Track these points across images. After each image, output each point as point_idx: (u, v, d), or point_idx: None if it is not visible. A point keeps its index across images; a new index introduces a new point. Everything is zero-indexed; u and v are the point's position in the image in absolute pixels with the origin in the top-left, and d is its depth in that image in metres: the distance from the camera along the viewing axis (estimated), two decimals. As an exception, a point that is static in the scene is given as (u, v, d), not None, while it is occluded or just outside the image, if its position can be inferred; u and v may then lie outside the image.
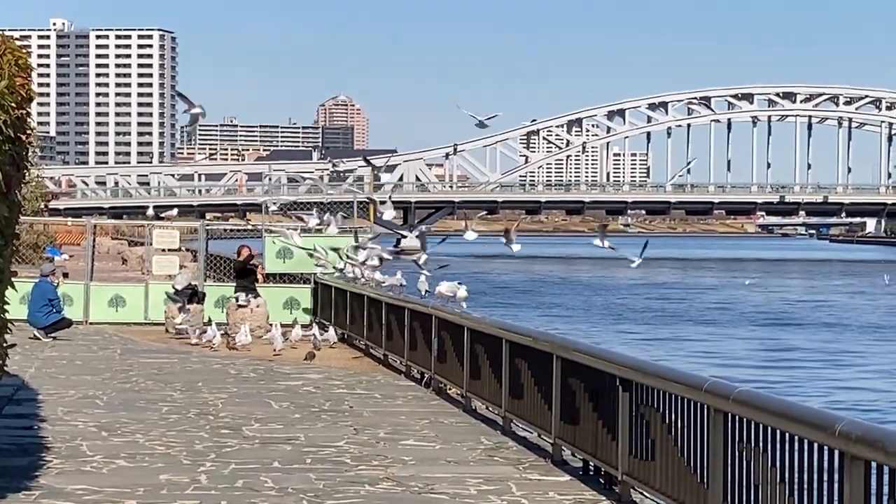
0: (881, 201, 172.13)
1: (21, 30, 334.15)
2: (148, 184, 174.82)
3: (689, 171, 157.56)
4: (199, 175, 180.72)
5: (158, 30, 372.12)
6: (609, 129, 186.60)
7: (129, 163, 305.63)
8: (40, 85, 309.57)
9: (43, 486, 11.91)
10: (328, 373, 22.00)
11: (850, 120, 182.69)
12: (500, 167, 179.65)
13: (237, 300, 28.26)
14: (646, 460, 11.03)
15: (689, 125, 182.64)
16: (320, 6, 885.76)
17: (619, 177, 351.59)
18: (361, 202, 34.12)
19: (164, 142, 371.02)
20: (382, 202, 27.99)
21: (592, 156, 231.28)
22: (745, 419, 9.15)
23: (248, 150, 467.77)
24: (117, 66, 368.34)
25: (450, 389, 18.72)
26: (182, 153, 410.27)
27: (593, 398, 12.33)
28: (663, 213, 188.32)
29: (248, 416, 16.60)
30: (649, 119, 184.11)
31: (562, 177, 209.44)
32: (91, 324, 30.84)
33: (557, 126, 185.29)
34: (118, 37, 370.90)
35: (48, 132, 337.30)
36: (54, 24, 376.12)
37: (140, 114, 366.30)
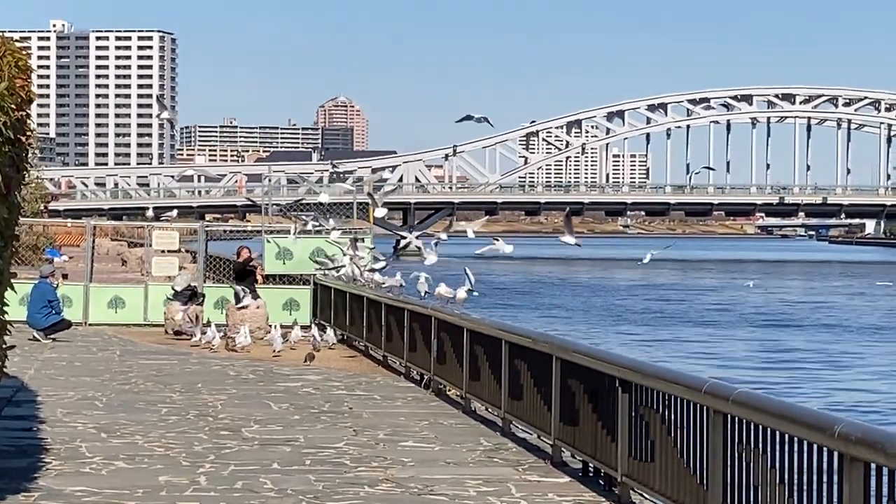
0: (880, 202, 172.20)
1: (21, 31, 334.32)
2: (147, 185, 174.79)
3: (697, 172, 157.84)
4: (199, 176, 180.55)
5: (158, 31, 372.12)
6: (608, 130, 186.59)
7: (128, 164, 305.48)
8: (40, 86, 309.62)
9: (42, 488, 11.91)
10: (327, 374, 22.00)
11: (850, 121, 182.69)
12: (500, 168, 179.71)
13: (237, 296, 28.19)
14: (645, 462, 11.03)
15: (688, 126, 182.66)
16: (320, 6, 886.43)
17: (618, 178, 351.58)
18: (361, 203, 34.10)
19: (164, 143, 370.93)
20: (377, 192, 27.94)
21: (592, 157, 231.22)
22: (744, 420, 9.15)
23: (247, 151, 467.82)
24: (117, 67, 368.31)
25: (449, 391, 18.72)
26: (182, 154, 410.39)
27: (593, 399, 12.33)
28: (663, 214, 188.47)
29: (248, 418, 16.60)
30: (648, 120, 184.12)
31: (561, 178, 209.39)
32: (90, 325, 30.84)
33: (557, 127, 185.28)
34: (118, 38, 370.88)
35: (48, 133, 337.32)
36: (54, 25, 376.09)
37: (140, 115, 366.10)
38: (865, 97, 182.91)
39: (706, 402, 9.74)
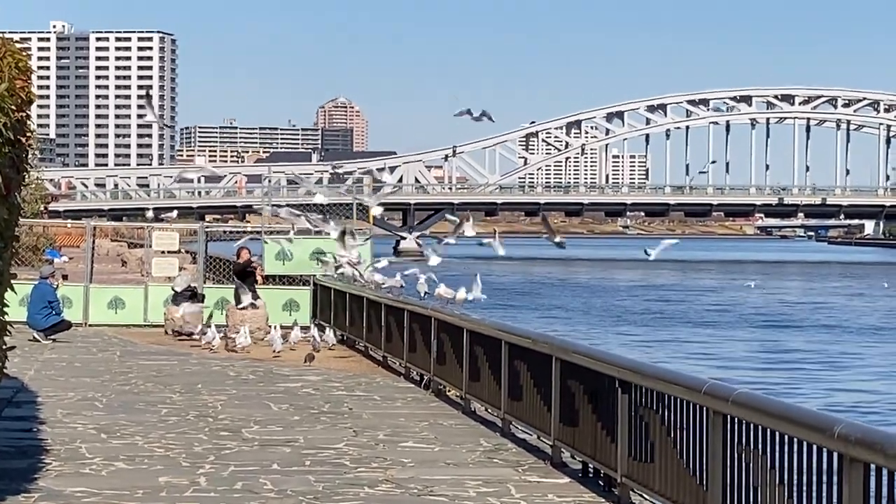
0: (879, 203, 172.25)
1: (21, 32, 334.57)
2: (147, 186, 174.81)
3: (704, 171, 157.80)
4: (199, 177, 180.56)
5: (158, 32, 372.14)
6: (608, 131, 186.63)
7: (128, 165, 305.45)
8: (40, 87, 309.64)
9: (42, 489, 11.91)
10: (327, 375, 22.00)
11: (849, 122, 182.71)
12: (500, 169, 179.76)
13: (237, 298, 28.16)
14: (645, 462, 11.03)
15: (687, 127, 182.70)
16: (320, 6, 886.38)
17: (617, 179, 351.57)
18: (361, 204, 34.09)
19: (164, 144, 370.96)
20: (375, 193, 27.91)
21: (591, 158, 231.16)
22: (744, 421, 9.15)
23: (247, 152, 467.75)
24: (117, 68, 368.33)
25: (449, 391, 18.73)
26: (182, 155, 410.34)
27: (592, 400, 12.33)
28: (662, 214, 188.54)
29: (248, 418, 16.60)
30: (648, 121, 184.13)
31: (561, 179, 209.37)
32: (90, 326, 30.84)
33: (556, 128, 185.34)
34: (118, 39, 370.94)
35: (48, 134, 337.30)
36: (54, 26, 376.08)
37: (140, 116, 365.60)
38: (864, 98, 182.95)
39: (706, 403, 9.75)
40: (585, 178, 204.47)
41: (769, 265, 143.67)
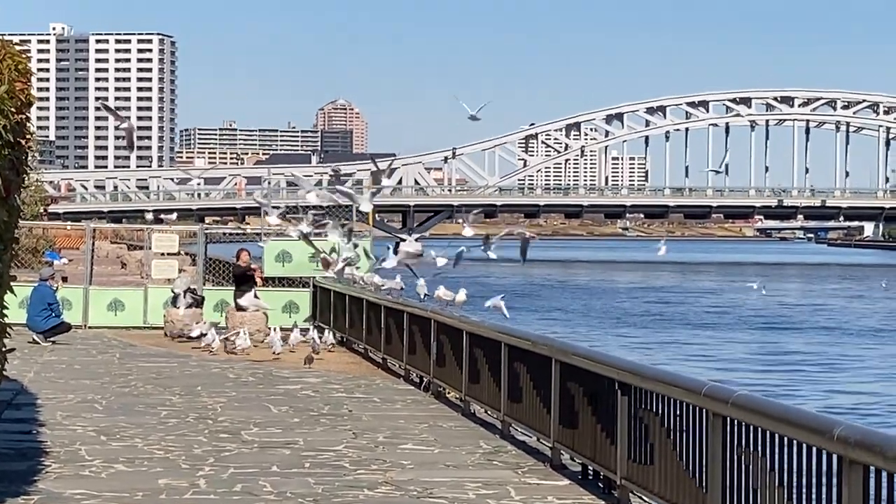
0: (879, 205, 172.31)
1: (21, 34, 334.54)
2: (147, 188, 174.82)
3: (718, 171, 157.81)
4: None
5: (158, 34, 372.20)
6: (607, 132, 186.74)
7: (128, 167, 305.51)
8: (40, 89, 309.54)
9: (42, 491, 11.91)
10: (327, 377, 22.00)
11: (848, 124, 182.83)
12: (499, 171, 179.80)
13: (237, 302, 28.15)
14: (645, 464, 11.03)
15: (686, 129, 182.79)
16: (320, 7, 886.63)
17: (617, 180, 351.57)
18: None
19: (164, 146, 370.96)
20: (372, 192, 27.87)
21: (591, 159, 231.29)
22: (743, 423, 9.15)
23: (247, 153, 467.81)
24: (117, 70, 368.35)
25: (449, 393, 18.73)
26: (181, 157, 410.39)
27: (592, 402, 12.33)
28: (662, 216, 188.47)
29: (247, 421, 16.60)
30: (647, 123, 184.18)
31: (560, 180, 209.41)
32: (90, 328, 30.83)
33: (556, 130, 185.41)
34: (118, 41, 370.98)
35: (47, 136, 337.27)
36: (54, 28, 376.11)
37: (139, 118, 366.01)
38: (864, 100, 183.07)
39: (705, 405, 9.75)
40: (585, 180, 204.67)
41: (768, 267, 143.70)
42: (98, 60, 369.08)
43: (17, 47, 10.50)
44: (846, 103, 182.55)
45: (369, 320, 24.62)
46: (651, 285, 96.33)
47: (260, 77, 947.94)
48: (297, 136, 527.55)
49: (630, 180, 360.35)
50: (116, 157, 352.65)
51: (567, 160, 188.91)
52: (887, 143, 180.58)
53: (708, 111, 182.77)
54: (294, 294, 31.75)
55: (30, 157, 11.30)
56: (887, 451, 7.29)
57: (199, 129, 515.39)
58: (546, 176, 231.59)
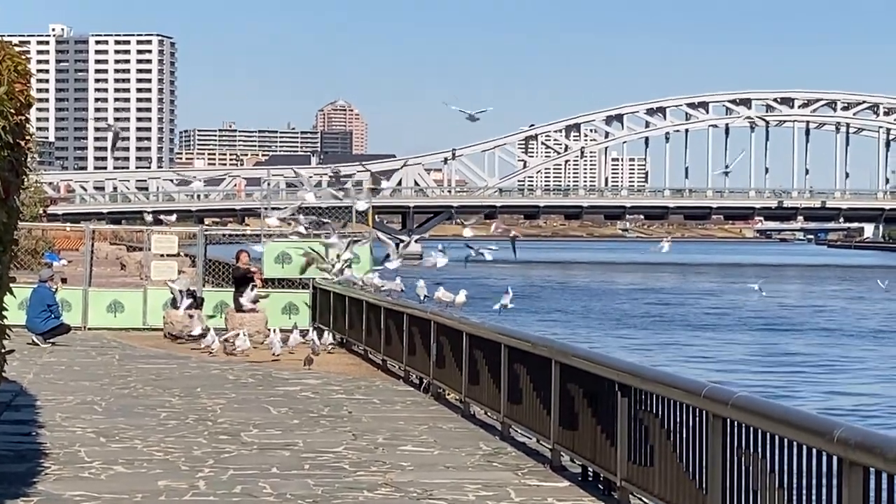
0: (879, 206, 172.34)
1: (20, 35, 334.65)
2: (146, 189, 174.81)
3: (727, 171, 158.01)
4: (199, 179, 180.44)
5: (157, 35, 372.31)
6: (607, 133, 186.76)
7: (127, 168, 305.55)
8: (39, 90, 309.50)
9: (41, 493, 11.90)
10: (327, 378, 21.99)
11: (848, 125, 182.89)
12: (499, 172, 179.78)
13: (237, 302, 28.13)
14: (645, 466, 11.02)
15: (686, 130, 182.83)
16: (320, 7, 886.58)
17: (617, 181, 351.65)
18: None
19: (163, 147, 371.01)
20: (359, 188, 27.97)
21: (591, 161, 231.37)
22: (743, 425, 9.14)
23: (246, 155, 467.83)
24: (116, 71, 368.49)
25: (448, 395, 18.72)
26: (181, 158, 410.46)
27: (592, 403, 12.33)
28: (662, 217, 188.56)
29: (247, 422, 16.59)
30: (647, 124, 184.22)
31: (560, 181, 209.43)
32: (89, 329, 30.82)
33: (556, 131, 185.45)
34: (117, 42, 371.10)
35: (47, 137, 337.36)
36: (53, 29, 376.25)
37: (139, 119, 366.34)
38: (864, 101, 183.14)
39: (705, 407, 9.74)
40: (585, 181, 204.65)
41: (768, 268, 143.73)
42: (97, 61, 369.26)
43: (17, 48, 10.50)
44: (846, 104, 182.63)
45: (369, 322, 24.61)
46: (651, 286, 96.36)
47: (259, 78, 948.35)
48: (297, 137, 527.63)
49: (630, 181, 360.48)
50: (116, 159, 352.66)
51: (567, 161, 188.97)
52: (887, 145, 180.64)
53: (708, 112, 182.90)
54: (294, 295, 31.73)
55: (29, 159, 11.30)
56: (887, 452, 7.28)
57: (198, 131, 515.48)
58: (546, 177, 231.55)
